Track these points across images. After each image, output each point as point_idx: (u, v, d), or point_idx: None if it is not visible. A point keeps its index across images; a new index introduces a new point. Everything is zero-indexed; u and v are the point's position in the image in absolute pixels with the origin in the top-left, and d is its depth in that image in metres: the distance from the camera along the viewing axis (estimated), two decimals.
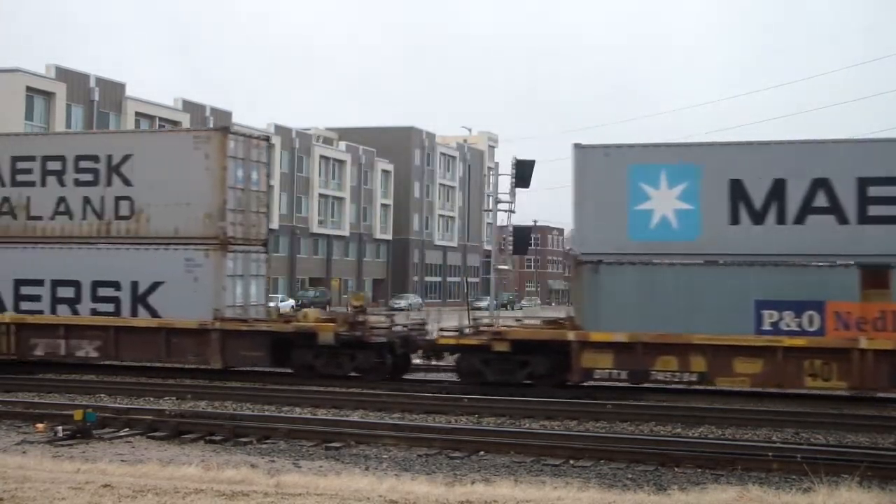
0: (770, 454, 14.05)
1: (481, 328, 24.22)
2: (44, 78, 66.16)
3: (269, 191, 25.95)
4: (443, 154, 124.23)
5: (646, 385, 22.28)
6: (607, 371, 22.13)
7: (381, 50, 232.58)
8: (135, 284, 25.13)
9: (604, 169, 22.54)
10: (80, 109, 68.95)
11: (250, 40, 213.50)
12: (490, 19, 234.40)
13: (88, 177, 25.73)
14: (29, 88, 64.70)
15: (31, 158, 26.19)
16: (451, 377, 24.51)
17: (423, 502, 10.91)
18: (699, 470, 13.71)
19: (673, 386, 21.98)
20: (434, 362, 25.02)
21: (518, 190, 36.07)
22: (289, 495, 11.09)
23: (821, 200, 21.16)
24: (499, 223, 37.93)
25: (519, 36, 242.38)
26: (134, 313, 25.15)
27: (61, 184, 25.89)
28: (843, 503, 11.09)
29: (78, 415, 16.15)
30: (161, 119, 76.16)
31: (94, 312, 25.42)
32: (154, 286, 24.98)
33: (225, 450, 15.22)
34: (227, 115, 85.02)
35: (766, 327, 21.21)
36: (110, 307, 25.35)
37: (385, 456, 14.81)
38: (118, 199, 25.46)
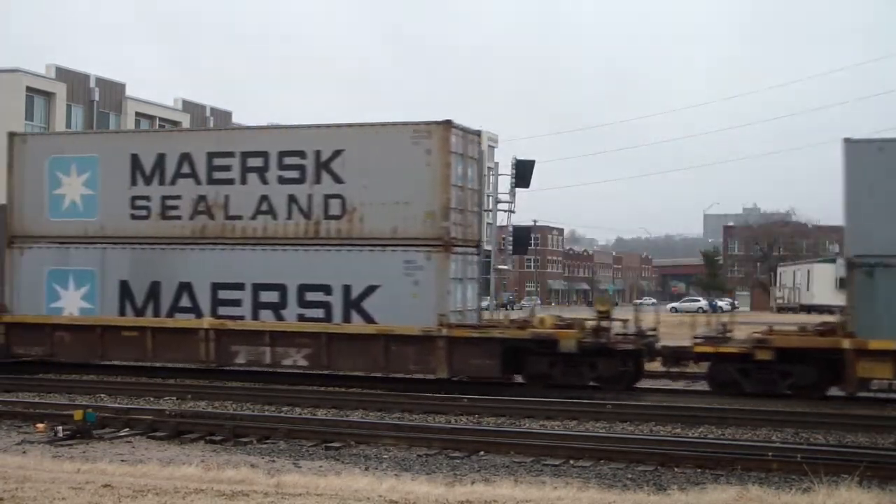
0: (770, 454, 14.04)
1: (729, 335, 22.37)
2: (44, 78, 66.18)
3: (481, 189, 24.23)
4: None
5: (645, 385, 22.26)
6: (886, 381, 20.86)
7: (381, 50, 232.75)
8: (347, 288, 23.28)
9: (878, 164, 21.12)
10: (80, 109, 68.97)
11: (249, 41, 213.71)
12: (490, 20, 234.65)
13: (294, 174, 23.92)
14: (29, 88, 64.71)
15: (230, 154, 24.51)
16: (692, 386, 23.24)
17: (423, 502, 10.92)
18: (699, 470, 13.71)
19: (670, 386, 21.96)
20: (674, 370, 22.77)
21: (518, 190, 36.06)
22: (289, 495, 11.10)
23: None
24: (499, 223, 37.86)
25: (519, 36, 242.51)
26: (347, 319, 23.28)
27: (263, 181, 24.13)
28: (842, 503, 11.09)
29: (78, 415, 16.16)
30: (161, 119, 76.19)
31: (302, 318, 23.58)
32: (369, 290, 23.12)
33: (225, 450, 15.24)
34: (228, 115, 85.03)
35: None
36: (320, 312, 23.49)
37: (385, 456, 14.81)
38: (328, 197, 23.65)
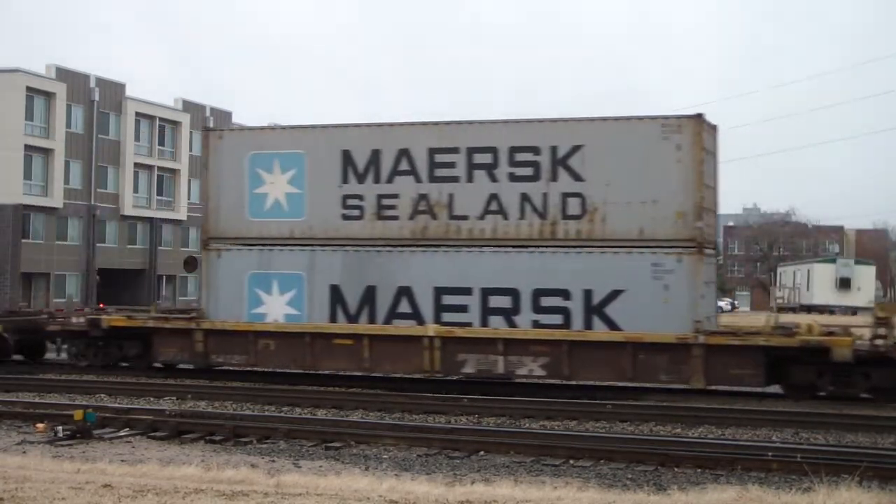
0: (770, 454, 14.06)
1: None
2: (44, 78, 66.18)
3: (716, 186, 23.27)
4: None
5: (645, 385, 22.25)
6: None
7: (381, 48, 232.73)
8: (588, 293, 21.90)
9: None
10: (81, 109, 68.98)
11: (249, 41, 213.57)
12: (491, 18, 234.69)
13: (527, 171, 22.46)
14: (29, 88, 64.72)
15: (454, 150, 22.96)
16: None
17: (422, 502, 10.91)
18: (699, 470, 13.72)
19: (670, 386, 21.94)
20: None
21: None
22: (289, 495, 11.10)
23: None
24: None
25: (519, 35, 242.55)
26: (588, 326, 21.92)
27: (492, 179, 22.67)
28: (842, 503, 11.09)
29: (78, 415, 16.16)
30: (161, 119, 76.20)
31: (537, 325, 22.16)
32: (613, 295, 21.74)
33: (225, 450, 15.24)
34: (228, 115, 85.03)
35: None
36: (557, 319, 22.10)
37: (385, 456, 14.82)
38: (565, 195, 22.23)
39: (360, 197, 23.54)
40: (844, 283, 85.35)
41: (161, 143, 76.88)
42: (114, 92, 72.04)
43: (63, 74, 67.65)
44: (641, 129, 21.96)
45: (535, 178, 22.41)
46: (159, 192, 76.22)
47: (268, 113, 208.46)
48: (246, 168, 24.37)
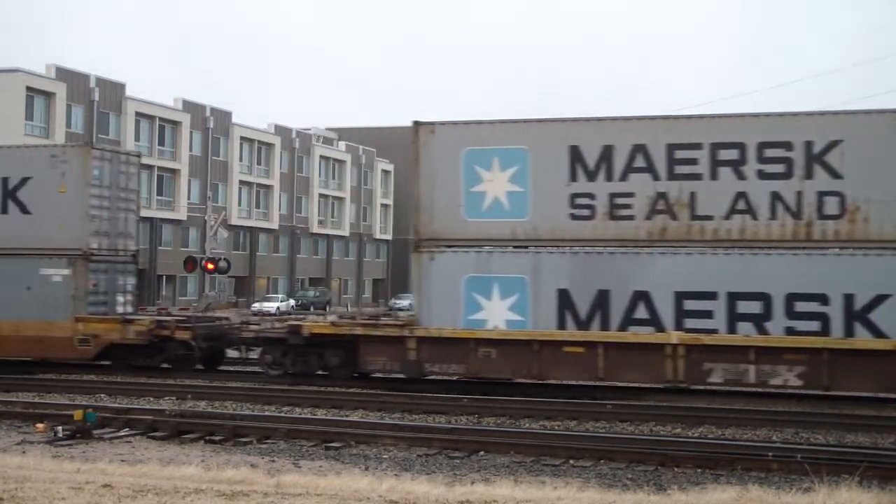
0: (770, 454, 14.05)
1: None
2: (44, 78, 66.20)
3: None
4: None
5: (645, 385, 22.23)
6: None
7: (380, 49, 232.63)
8: (849, 298, 20.61)
9: None
10: (80, 109, 69.00)
11: (248, 41, 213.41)
12: (490, 19, 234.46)
13: (778, 168, 21.21)
14: (29, 88, 64.75)
15: (696, 146, 21.71)
16: None
17: (422, 502, 10.91)
18: (699, 470, 13.71)
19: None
20: None
21: None
22: (289, 495, 11.09)
23: None
24: None
25: (518, 35, 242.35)
26: (849, 333, 20.61)
27: (739, 176, 21.42)
28: (843, 503, 11.09)
29: (78, 415, 16.15)
30: (161, 119, 76.21)
31: (790, 331, 20.91)
32: (877, 300, 20.45)
33: (225, 450, 15.23)
34: (227, 114, 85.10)
35: None
36: (814, 325, 20.82)
37: (385, 456, 14.81)
38: (822, 194, 20.99)
39: (590, 196, 22.17)
40: None
41: (161, 142, 76.90)
42: (114, 92, 72.05)
43: (63, 74, 67.66)
44: None
45: (787, 175, 21.19)
46: (159, 192, 76.25)
47: (267, 113, 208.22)
48: (461, 165, 22.98)
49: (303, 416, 18.81)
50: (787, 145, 21.26)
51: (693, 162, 21.72)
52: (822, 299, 20.80)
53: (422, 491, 11.43)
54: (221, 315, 27.95)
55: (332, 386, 23.09)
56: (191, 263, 34.84)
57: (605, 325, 21.88)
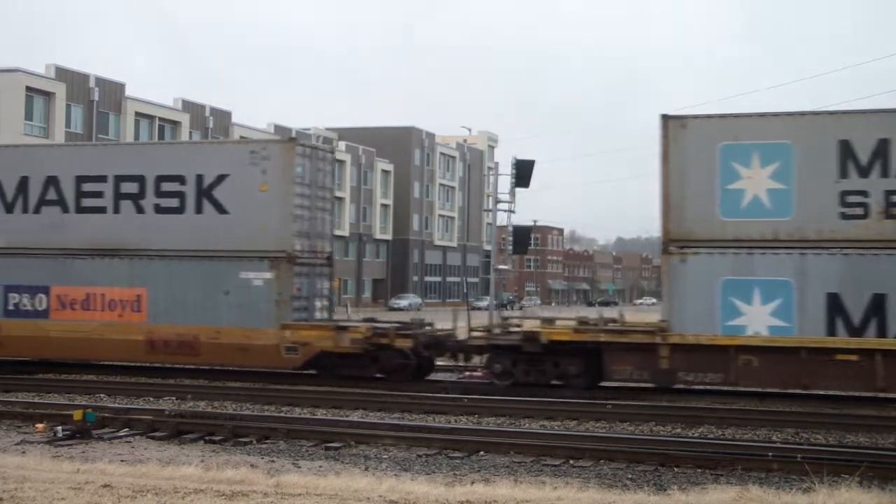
0: (770, 454, 14.03)
1: None
2: (43, 78, 66.19)
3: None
4: (442, 154, 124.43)
5: (644, 385, 22.24)
6: None
7: (380, 50, 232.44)
8: None
9: None
10: (80, 109, 68.99)
11: (248, 40, 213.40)
12: (488, 20, 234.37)
13: None
14: (28, 88, 64.73)
15: None
16: None
17: (422, 502, 10.91)
18: (699, 470, 13.70)
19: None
20: None
21: (518, 190, 36.02)
22: (288, 495, 11.09)
23: None
24: (499, 223, 37.85)
25: (517, 36, 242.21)
26: None
27: None
28: (843, 503, 11.08)
29: (77, 415, 16.14)
30: (161, 119, 76.20)
31: None
32: None
33: (225, 450, 15.22)
34: (227, 114, 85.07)
35: None
36: None
37: (385, 456, 14.80)
38: None
39: (863, 193, 20.71)
40: None
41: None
42: (113, 92, 72.04)
43: (62, 74, 67.64)
44: None
45: None
46: None
47: (267, 113, 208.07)
48: (717, 161, 21.58)
49: (302, 416, 18.81)
50: None
51: None
52: None
53: (422, 491, 11.42)
54: (426, 321, 26.18)
55: (333, 385, 23.05)
56: None
57: (881, 332, 20.46)
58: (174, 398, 21.10)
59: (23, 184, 26.03)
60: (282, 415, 18.74)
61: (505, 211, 36.82)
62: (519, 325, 24.57)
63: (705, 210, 21.56)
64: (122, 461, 13.83)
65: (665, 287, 22.40)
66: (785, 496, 11.56)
